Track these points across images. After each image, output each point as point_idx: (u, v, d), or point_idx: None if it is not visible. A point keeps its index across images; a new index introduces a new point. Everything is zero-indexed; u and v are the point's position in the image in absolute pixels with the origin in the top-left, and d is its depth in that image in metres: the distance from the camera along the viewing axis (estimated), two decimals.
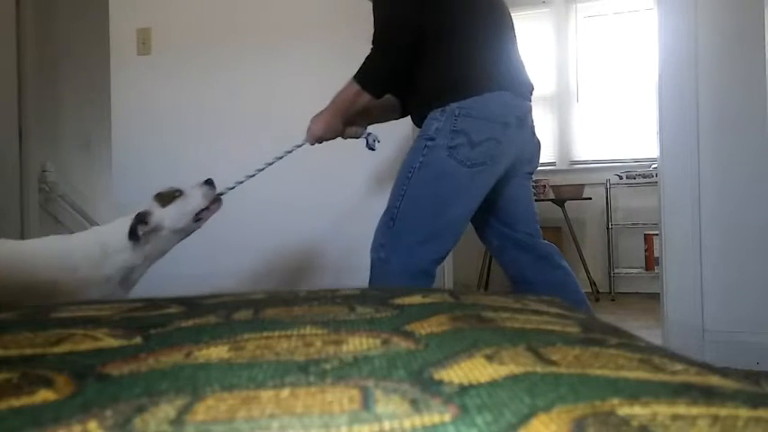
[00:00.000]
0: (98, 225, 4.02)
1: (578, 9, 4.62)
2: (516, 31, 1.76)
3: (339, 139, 1.84)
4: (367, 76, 1.64)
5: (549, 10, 4.64)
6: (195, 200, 1.67)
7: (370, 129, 1.89)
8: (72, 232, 4.04)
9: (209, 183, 1.72)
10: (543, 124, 4.63)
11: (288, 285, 2.62)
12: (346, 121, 1.77)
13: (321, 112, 1.75)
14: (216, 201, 1.72)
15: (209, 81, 2.77)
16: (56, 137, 3.91)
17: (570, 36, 4.62)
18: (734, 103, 2.25)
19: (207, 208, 1.70)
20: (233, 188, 1.80)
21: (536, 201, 4.51)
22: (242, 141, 2.70)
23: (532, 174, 1.82)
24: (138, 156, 2.84)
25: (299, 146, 1.82)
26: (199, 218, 1.69)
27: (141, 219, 1.61)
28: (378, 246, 1.60)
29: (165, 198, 1.66)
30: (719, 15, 2.26)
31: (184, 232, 1.70)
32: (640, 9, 4.33)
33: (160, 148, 2.82)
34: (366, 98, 1.66)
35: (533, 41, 4.62)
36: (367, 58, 1.63)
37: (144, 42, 2.86)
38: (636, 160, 4.33)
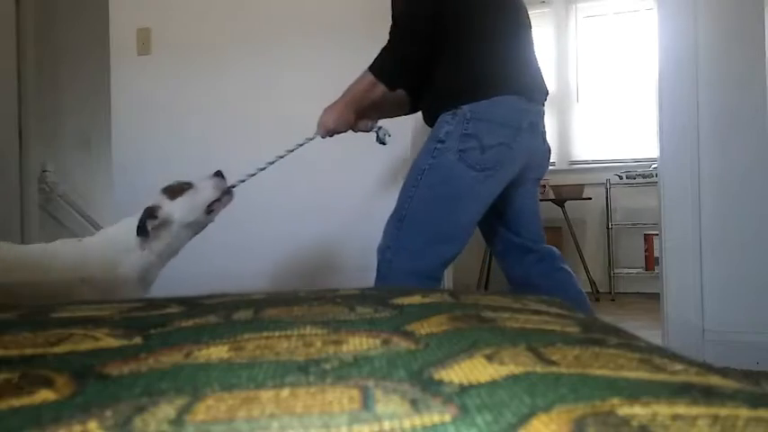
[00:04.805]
0: (100, 225, 4.04)
1: (578, 9, 4.62)
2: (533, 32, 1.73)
3: (351, 135, 1.81)
4: (382, 68, 1.61)
5: (549, 10, 4.64)
6: (206, 191, 1.60)
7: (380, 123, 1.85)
8: (72, 232, 4.03)
9: (219, 174, 1.65)
10: None
11: (299, 286, 2.62)
12: (358, 113, 1.73)
13: (333, 104, 1.71)
14: (227, 193, 1.65)
15: (209, 81, 2.77)
16: (56, 137, 3.91)
17: (570, 36, 4.62)
18: (734, 103, 2.24)
19: (218, 200, 1.63)
20: (244, 181, 1.74)
21: None
22: (242, 141, 2.69)
23: (540, 180, 1.81)
24: (138, 156, 2.84)
25: (311, 139, 1.77)
26: (210, 209, 1.62)
27: (150, 213, 1.54)
28: (384, 247, 1.59)
29: (175, 191, 1.58)
30: (719, 15, 2.26)
31: (197, 226, 1.62)
32: (640, 9, 4.33)
33: (160, 147, 2.82)
34: (380, 90, 1.63)
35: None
36: (383, 49, 1.61)
37: (144, 42, 2.86)
38: (636, 160, 4.33)
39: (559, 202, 4.11)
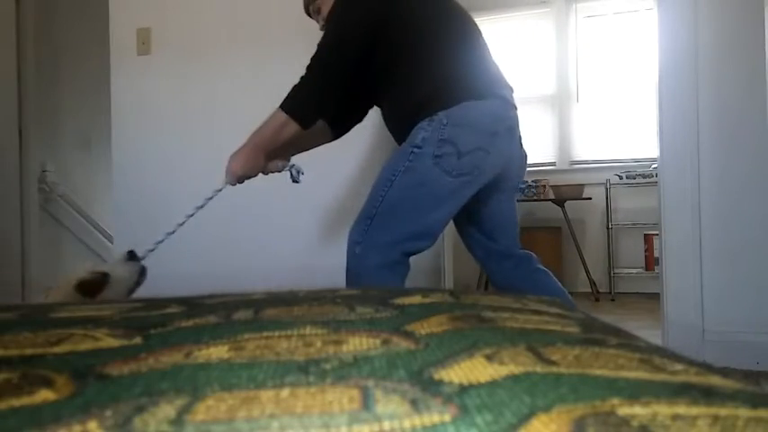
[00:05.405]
0: (100, 225, 4.03)
1: (578, 9, 4.62)
2: (486, 37, 1.72)
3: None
4: (295, 106, 1.60)
5: (549, 10, 4.64)
6: (123, 281, 1.51)
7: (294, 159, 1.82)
8: (72, 233, 4.03)
9: (132, 254, 1.56)
10: (543, 124, 4.63)
11: (299, 286, 2.62)
12: (269, 155, 1.70)
13: (240, 148, 1.68)
14: (142, 273, 1.55)
15: (209, 81, 2.77)
16: (56, 137, 3.91)
17: (570, 36, 4.62)
18: (734, 103, 2.25)
19: (136, 282, 1.55)
20: (152, 250, 1.66)
21: (536, 201, 4.52)
22: (242, 141, 2.69)
23: (518, 188, 1.82)
24: (138, 156, 2.85)
25: (220, 190, 1.72)
26: (130, 292, 1.53)
27: None
28: (353, 243, 1.58)
29: (91, 287, 1.46)
30: (719, 15, 2.26)
31: None
32: (640, 9, 4.33)
33: (160, 148, 2.82)
34: (293, 129, 1.61)
35: (533, 41, 4.62)
36: (295, 86, 1.60)
37: (144, 42, 2.86)
38: (636, 160, 4.33)
39: (559, 202, 4.11)
